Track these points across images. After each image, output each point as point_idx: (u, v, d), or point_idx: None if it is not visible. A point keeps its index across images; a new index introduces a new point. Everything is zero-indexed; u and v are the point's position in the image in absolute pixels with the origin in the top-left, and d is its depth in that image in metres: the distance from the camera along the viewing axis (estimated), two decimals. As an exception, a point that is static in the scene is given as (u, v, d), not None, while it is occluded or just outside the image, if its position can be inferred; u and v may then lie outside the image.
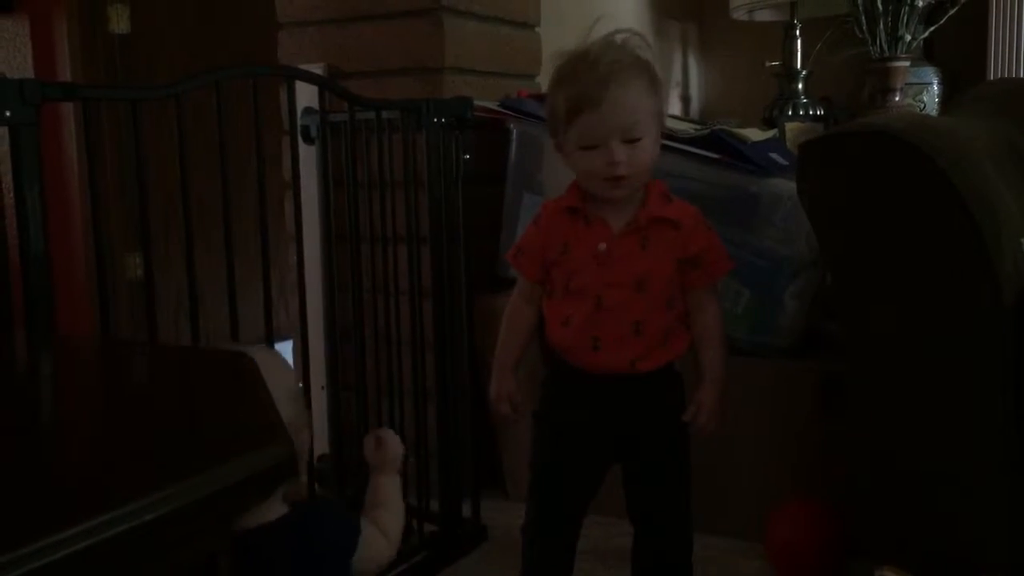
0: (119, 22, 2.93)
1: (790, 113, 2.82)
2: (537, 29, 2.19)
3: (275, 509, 1.07)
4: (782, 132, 2.64)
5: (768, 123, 2.76)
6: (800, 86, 2.85)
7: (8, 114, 0.99)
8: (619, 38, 1.27)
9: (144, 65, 2.99)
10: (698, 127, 1.89)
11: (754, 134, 1.86)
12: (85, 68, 2.88)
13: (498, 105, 1.95)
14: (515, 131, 1.93)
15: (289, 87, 1.41)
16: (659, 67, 1.29)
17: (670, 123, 1.89)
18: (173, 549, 0.50)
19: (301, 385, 1.30)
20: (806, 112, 2.83)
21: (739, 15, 2.96)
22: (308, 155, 1.92)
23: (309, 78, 1.45)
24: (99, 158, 1.12)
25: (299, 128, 1.89)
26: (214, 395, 0.67)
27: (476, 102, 1.83)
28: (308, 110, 1.86)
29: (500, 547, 1.76)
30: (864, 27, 2.47)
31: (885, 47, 2.46)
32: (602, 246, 1.27)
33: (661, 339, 1.28)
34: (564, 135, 1.26)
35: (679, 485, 1.34)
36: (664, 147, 1.80)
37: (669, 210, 1.29)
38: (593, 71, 1.22)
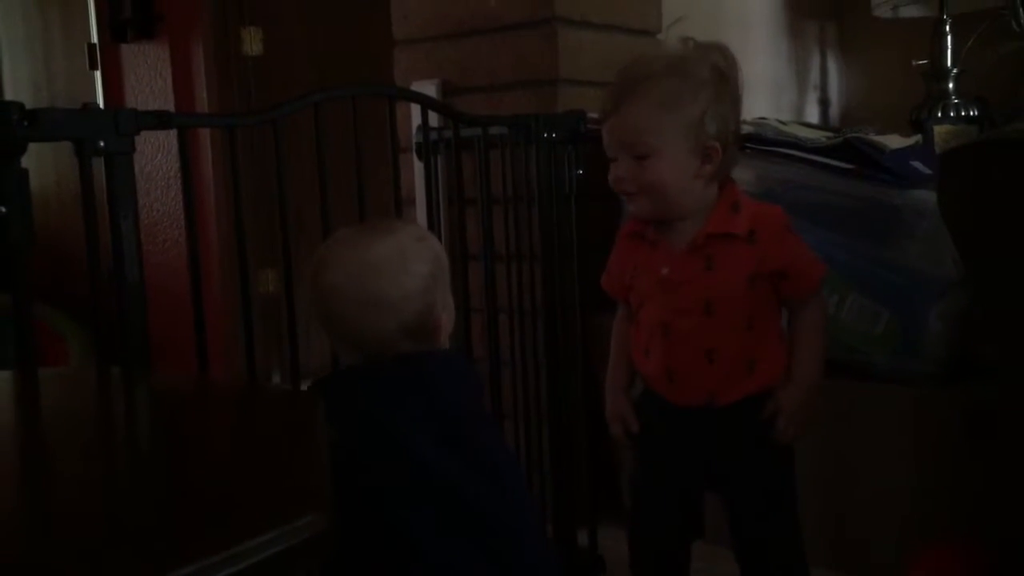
0: (252, 44, 3.01)
1: (939, 115, 2.62)
2: (659, 35, 2.10)
3: None
4: (930, 136, 2.46)
5: (915, 126, 2.57)
6: (951, 86, 2.64)
7: (103, 144, 1.00)
8: (676, 45, 1.21)
9: (277, 86, 3.06)
10: (830, 135, 1.76)
11: (894, 141, 1.72)
12: (220, 90, 2.97)
13: (615, 117, 1.87)
14: (634, 143, 1.84)
15: (390, 106, 1.39)
16: (729, 80, 1.18)
17: (798, 131, 1.78)
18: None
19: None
20: (958, 114, 2.62)
21: (882, 12, 2.79)
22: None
23: (410, 96, 1.43)
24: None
25: (413, 146, 1.87)
26: (257, 451, 0.63)
27: (591, 115, 1.76)
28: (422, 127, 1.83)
29: (617, 580, 1.68)
30: (1022, 20, 2.27)
31: (1047, 41, 2.25)
32: (664, 270, 1.20)
33: (743, 366, 1.18)
34: None
35: (779, 525, 1.23)
36: (792, 158, 1.71)
37: (734, 223, 1.18)
38: (615, 81, 1.18)
